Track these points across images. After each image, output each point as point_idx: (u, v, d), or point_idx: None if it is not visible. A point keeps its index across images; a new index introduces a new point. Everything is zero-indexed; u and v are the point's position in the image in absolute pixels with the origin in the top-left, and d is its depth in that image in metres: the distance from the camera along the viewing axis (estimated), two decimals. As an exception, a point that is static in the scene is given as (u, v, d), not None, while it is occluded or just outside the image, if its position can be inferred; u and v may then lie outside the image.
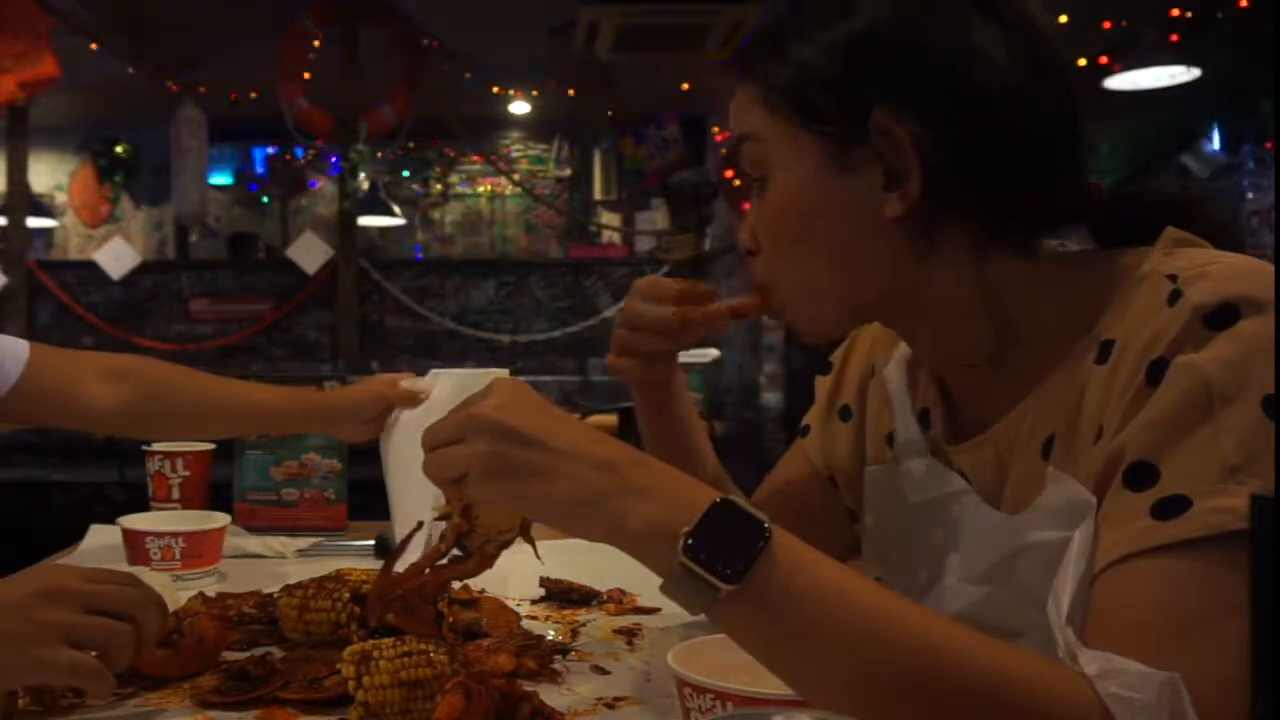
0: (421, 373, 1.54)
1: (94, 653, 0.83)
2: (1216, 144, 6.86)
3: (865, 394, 1.04)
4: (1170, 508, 0.65)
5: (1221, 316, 0.68)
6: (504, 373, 1.55)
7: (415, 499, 1.44)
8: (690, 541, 0.64)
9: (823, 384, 1.10)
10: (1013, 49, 0.78)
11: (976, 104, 0.77)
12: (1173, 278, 0.72)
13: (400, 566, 0.85)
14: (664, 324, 0.99)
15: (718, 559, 0.64)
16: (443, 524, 0.80)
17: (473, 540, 0.78)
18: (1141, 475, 0.67)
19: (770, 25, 0.85)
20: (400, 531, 1.51)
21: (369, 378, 1.58)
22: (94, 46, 6.58)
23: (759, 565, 0.64)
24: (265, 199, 9.77)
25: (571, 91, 7.58)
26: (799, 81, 0.81)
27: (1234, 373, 0.66)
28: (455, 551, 0.80)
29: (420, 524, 0.92)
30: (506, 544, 0.80)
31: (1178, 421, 0.66)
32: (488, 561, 0.80)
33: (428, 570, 0.81)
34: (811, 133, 0.80)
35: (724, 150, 1.01)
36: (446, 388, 1.46)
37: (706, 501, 0.66)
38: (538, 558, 0.88)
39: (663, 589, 0.66)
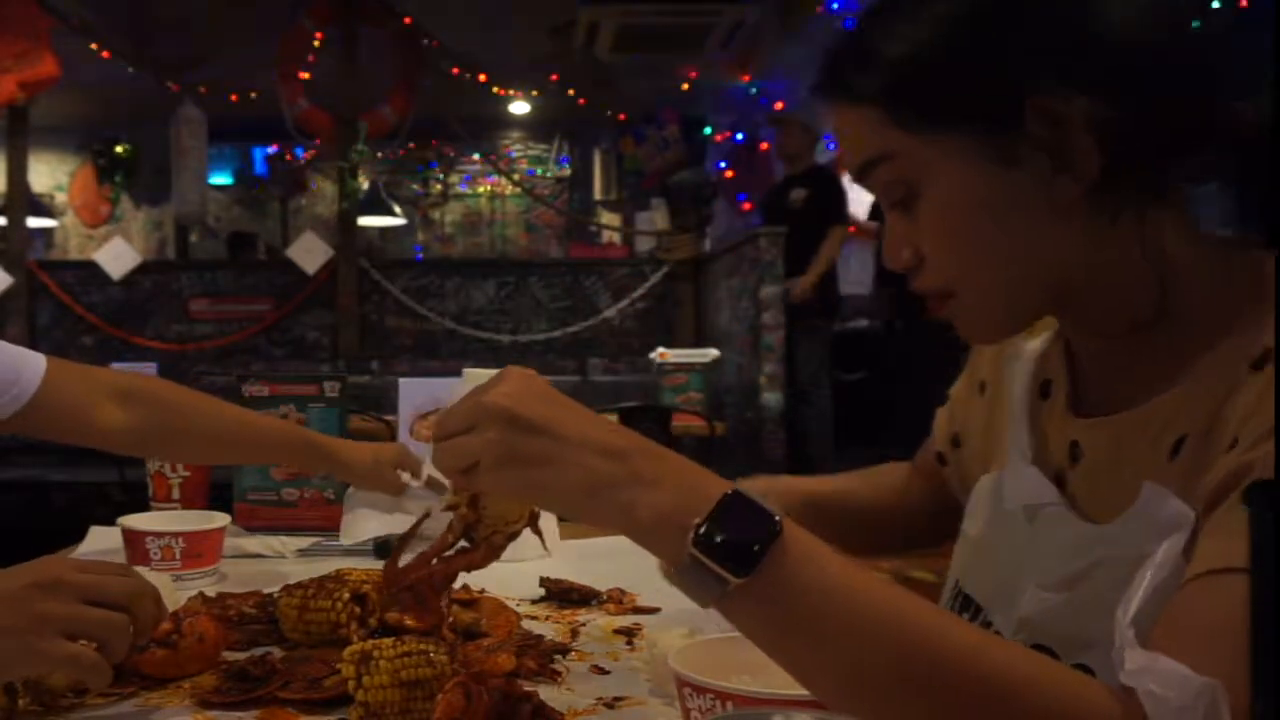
0: (421, 372, 1.54)
1: (92, 644, 0.83)
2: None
3: (1000, 368, 0.97)
4: None
5: None
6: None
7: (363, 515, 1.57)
8: (700, 533, 0.64)
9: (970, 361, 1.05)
10: None
11: (1126, 59, 0.72)
12: None
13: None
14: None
15: (728, 551, 0.63)
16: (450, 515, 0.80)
17: (480, 531, 0.78)
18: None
19: (859, 33, 0.79)
20: (347, 534, 1.57)
21: (386, 445, 1.57)
22: (94, 46, 6.59)
23: (769, 558, 0.63)
24: (265, 199, 9.77)
25: (571, 91, 7.59)
26: (927, 84, 0.75)
27: None
28: (462, 543, 0.79)
29: (428, 513, 0.91)
30: (514, 535, 0.79)
31: None
32: (495, 553, 0.79)
33: (435, 561, 0.80)
34: (960, 135, 0.75)
35: (852, 175, 0.96)
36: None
37: (718, 492, 0.65)
38: (545, 549, 0.87)
39: (671, 579, 0.66)
